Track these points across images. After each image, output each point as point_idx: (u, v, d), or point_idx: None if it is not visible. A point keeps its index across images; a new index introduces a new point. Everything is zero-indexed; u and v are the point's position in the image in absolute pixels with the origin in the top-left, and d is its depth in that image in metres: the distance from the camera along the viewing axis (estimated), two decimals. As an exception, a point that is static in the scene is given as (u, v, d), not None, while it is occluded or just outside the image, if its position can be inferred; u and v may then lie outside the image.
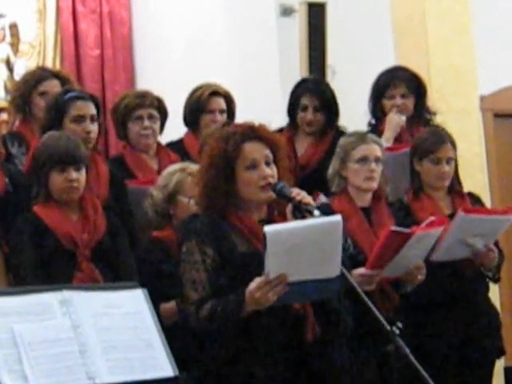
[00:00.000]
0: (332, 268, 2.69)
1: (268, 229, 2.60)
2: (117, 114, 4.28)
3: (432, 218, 3.56)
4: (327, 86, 4.65)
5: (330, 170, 3.87)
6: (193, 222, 2.86)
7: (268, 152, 2.87)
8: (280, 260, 2.62)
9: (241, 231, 2.82)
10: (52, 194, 3.44)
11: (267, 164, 2.86)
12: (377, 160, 3.76)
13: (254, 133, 2.88)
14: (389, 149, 4.18)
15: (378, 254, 3.47)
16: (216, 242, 2.80)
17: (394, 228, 3.45)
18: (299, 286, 2.67)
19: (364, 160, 3.75)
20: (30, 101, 4.17)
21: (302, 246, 2.63)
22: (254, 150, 2.85)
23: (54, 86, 4.17)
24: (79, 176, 3.44)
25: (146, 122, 4.21)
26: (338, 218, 2.70)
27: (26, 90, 4.18)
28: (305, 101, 4.46)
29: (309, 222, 2.72)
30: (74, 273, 3.33)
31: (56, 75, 4.26)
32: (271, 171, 2.85)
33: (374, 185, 3.77)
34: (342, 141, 3.88)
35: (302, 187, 3.57)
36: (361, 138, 3.82)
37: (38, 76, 4.23)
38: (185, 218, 3.05)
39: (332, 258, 2.68)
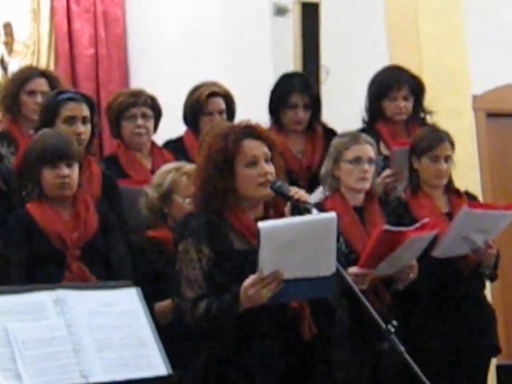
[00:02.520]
0: (326, 266, 2.69)
1: (262, 225, 2.61)
2: (110, 112, 4.28)
3: (426, 220, 3.58)
4: (312, 81, 4.67)
5: (323, 170, 3.89)
6: (189, 220, 2.86)
7: (266, 150, 2.89)
8: (274, 257, 2.62)
9: (237, 229, 2.83)
10: (45, 191, 3.44)
11: (266, 161, 2.87)
12: (370, 161, 3.79)
13: (252, 130, 2.90)
14: (399, 143, 4.20)
15: (370, 253, 3.48)
16: (212, 240, 2.80)
17: (386, 227, 3.46)
18: (294, 284, 2.67)
19: (357, 160, 3.77)
20: (18, 100, 4.17)
21: (295, 242, 2.63)
22: (254, 147, 2.87)
23: (41, 85, 4.17)
24: (71, 172, 3.43)
25: (140, 121, 4.20)
26: (332, 214, 2.70)
27: (13, 90, 4.18)
28: (294, 99, 4.43)
29: (303, 218, 2.73)
30: (64, 273, 3.33)
31: (43, 74, 4.26)
32: (270, 168, 2.87)
33: (367, 185, 3.79)
34: (335, 141, 3.91)
35: (310, 188, 3.60)
36: (354, 138, 3.84)
37: (25, 75, 4.22)
38: (181, 217, 3.04)
39: (326, 256, 2.69)
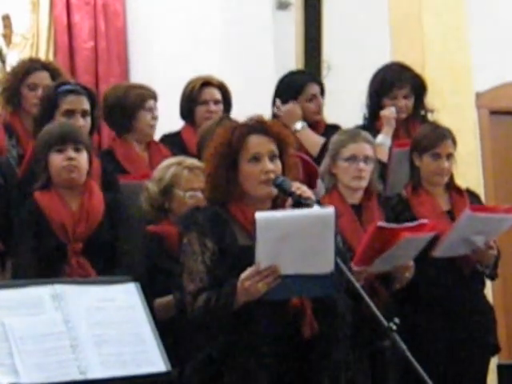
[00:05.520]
0: (324, 263, 2.67)
1: (258, 215, 2.59)
2: (125, 102, 4.18)
3: (424, 221, 3.57)
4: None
5: (322, 167, 3.89)
6: (195, 214, 2.86)
7: (273, 147, 2.86)
8: (270, 250, 2.61)
9: (242, 224, 2.81)
10: (52, 177, 3.41)
11: (271, 159, 2.84)
12: (366, 159, 3.79)
13: (261, 126, 2.87)
14: (398, 145, 4.19)
15: (364, 249, 3.48)
16: (217, 234, 2.79)
17: (379, 224, 3.47)
18: (291, 281, 2.65)
19: (352, 159, 3.78)
20: (19, 93, 4.13)
21: (292, 235, 2.61)
22: (259, 144, 2.84)
23: (43, 78, 4.13)
24: (78, 156, 3.41)
25: (155, 113, 4.21)
26: (330, 210, 2.69)
27: (14, 82, 4.15)
28: (312, 90, 4.47)
29: (300, 212, 2.71)
30: (64, 267, 3.31)
31: (46, 67, 4.22)
32: (274, 166, 2.84)
33: (363, 184, 3.79)
34: (333, 138, 3.91)
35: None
36: (351, 136, 3.84)
37: (27, 68, 4.19)
38: (187, 210, 3.05)
39: (324, 253, 2.66)
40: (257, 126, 2.87)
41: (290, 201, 2.83)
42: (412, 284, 3.64)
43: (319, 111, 4.49)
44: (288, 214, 2.70)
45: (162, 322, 3.04)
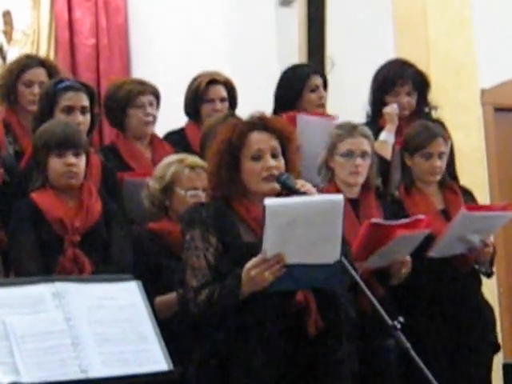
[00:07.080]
0: (331, 252, 2.66)
1: (268, 202, 2.59)
2: (115, 100, 4.17)
3: (419, 217, 3.55)
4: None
5: (319, 160, 3.86)
6: (197, 210, 2.85)
7: (276, 143, 2.85)
8: (278, 238, 2.59)
9: (246, 221, 2.80)
10: (50, 180, 3.42)
11: (274, 156, 2.84)
12: (363, 154, 3.76)
13: (263, 123, 2.86)
14: (401, 142, 4.18)
15: (359, 246, 3.47)
16: (220, 231, 2.78)
17: (373, 220, 3.46)
18: (297, 271, 2.64)
19: (349, 154, 3.75)
20: (15, 90, 4.11)
21: (301, 222, 2.60)
22: (261, 141, 2.83)
23: (39, 75, 4.11)
24: (78, 162, 3.40)
25: (149, 109, 4.15)
26: (339, 197, 2.68)
27: (10, 79, 4.13)
28: (315, 81, 4.45)
29: (310, 198, 2.72)
30: (59, 257, 3.30)
31: (42, 63, 4.20)
32: (276, 163, 2.82)
33: (360, 179, 3.77)
34: (332, 131, 3.88)
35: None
36: (349, 131, 3.81)
37: (23, 65, 4.16)
38: (190, 207, 3.03)
39: (331, 241, 2.66)
40: (258, 122, 2.87)
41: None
42: (410, 283, 3.63)
43: (321, 103, 4.45)
44: (297, 199, 2.69)
45: (164, 320, 3.02)
